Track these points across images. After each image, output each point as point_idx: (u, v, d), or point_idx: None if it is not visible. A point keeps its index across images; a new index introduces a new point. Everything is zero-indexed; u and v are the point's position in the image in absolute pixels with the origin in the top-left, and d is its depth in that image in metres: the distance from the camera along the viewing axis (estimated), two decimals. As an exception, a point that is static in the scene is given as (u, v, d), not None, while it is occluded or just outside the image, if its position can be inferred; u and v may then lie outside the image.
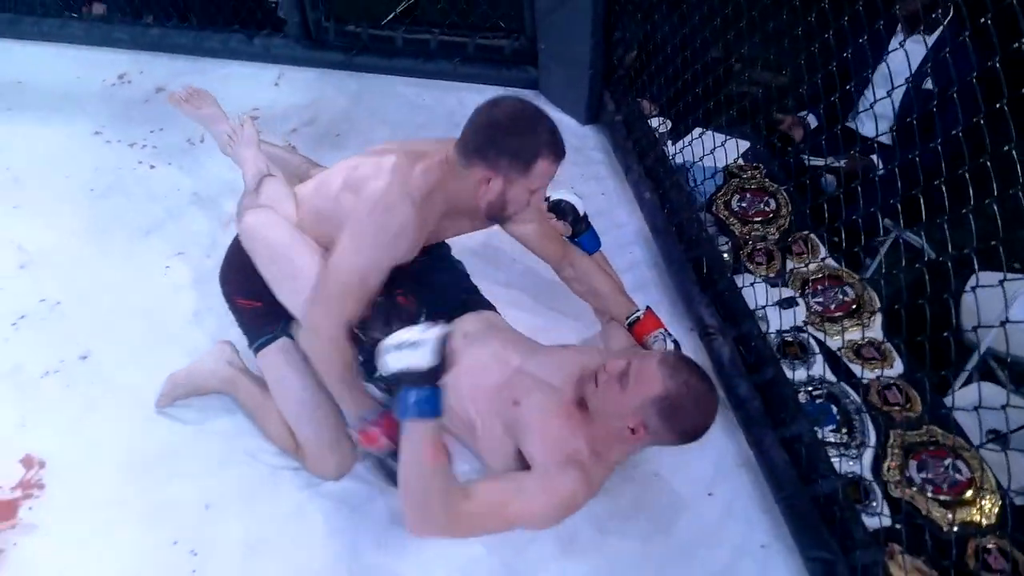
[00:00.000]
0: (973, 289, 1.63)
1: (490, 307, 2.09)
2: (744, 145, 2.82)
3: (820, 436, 1.93)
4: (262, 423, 2.00)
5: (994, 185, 1.49)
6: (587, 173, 2.80)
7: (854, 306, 2.29)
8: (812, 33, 1.97)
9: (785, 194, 2.62)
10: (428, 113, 3.14)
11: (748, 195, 2.63)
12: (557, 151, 1.67)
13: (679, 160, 2.65)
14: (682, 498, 1.86)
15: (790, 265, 2.41)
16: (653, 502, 1.82)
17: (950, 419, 1.94)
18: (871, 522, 1.74)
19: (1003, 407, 1.51)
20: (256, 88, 3.36)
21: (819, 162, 2.99)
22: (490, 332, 1.95)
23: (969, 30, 1.47)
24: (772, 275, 2.39)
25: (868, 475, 1.87)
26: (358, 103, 3.22)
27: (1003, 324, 1.54)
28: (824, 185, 3.14)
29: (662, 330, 2.01)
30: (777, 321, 2.17)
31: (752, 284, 2.22)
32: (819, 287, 2.34)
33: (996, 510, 1.81)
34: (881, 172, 2.92)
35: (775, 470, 1.80)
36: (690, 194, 2.52)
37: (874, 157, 3.01)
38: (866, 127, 3.04)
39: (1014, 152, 1.43)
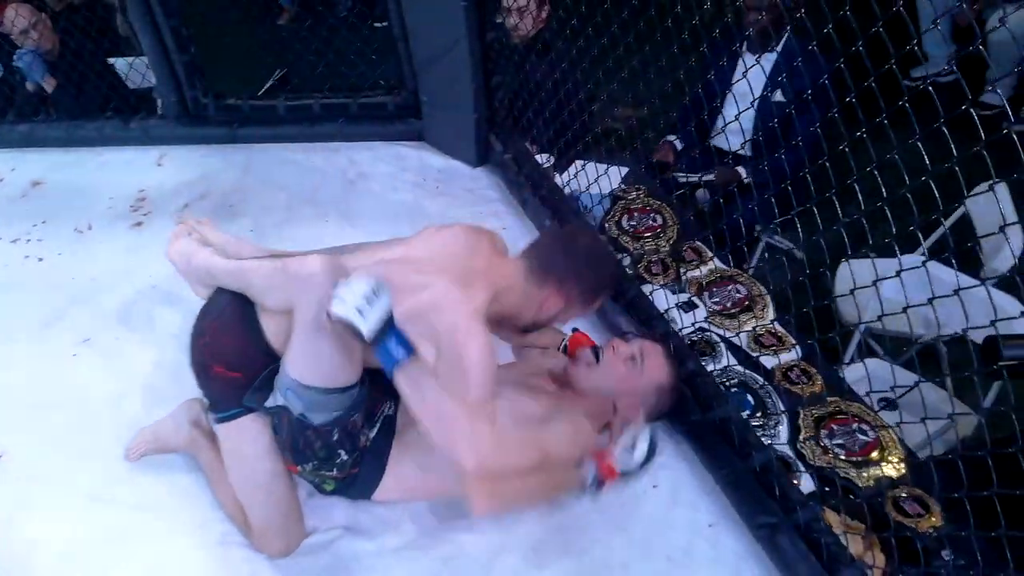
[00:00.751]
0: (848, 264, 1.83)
1: None
2: (624, 170, 3.02)
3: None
4: (218, 490, 1.99)
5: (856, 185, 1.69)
6: (485, 211, 2.93)
7: (747, 301, 2.49)
8: (672, 66, 2.18)
9: (670, 208, 2.83)
10: (320, 175, 3.19)
11: (636, 213, 2.81)
12: (615, 291, 1.85)
13: (567, 191, 2.82)
14: (631, 495, 1.96)
15: (684, 272, 2.60)
16: (605, 503, 1.91)
17: (847, 389, 2.16)
18: (804, 487, 1.91)
19: (892, 388, 1.71)
20: (138, 171, 3.33)
21: (690, 178, 3.23)
22: None
23: (815, 39, 1.67)
24: (670, 283, 2.57)
25: (788, 450, 2.05)
26: (248, 173, 3.24)
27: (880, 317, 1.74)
28: (698, 200, 3.39)
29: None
30: (681, 323, 2.34)
31: (654, 291, 2.40)
32: (714, 288, 2.53)
33: (903, 464, 2.02)
34: (748, 180, 3.17)
35: (712, 452, 1.95)
36: (585, 217, 2.68)
37: (741, 169, 3.27)
38: (728, 142, 3.32)
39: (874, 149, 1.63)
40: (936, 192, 1.45)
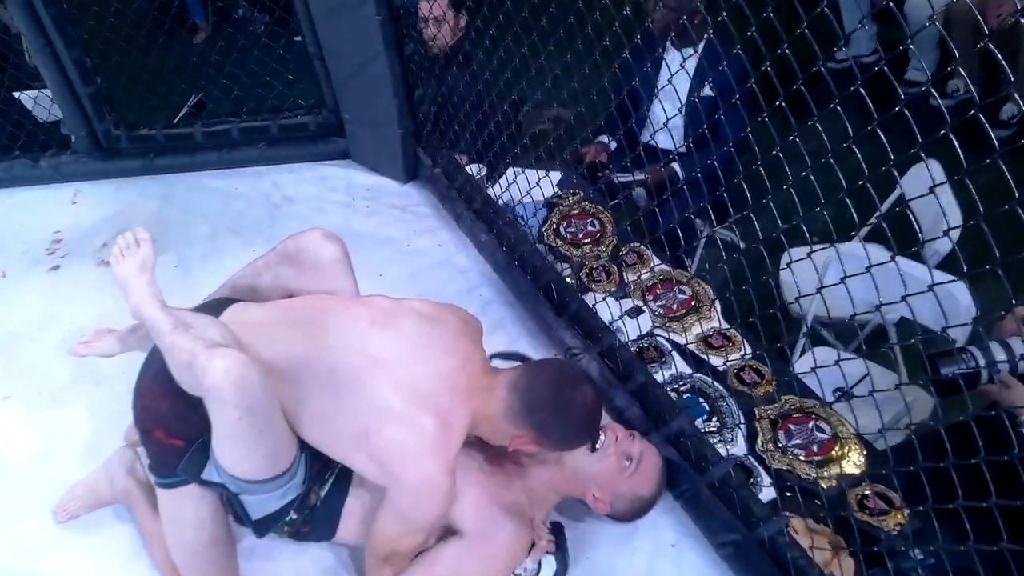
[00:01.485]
0: (788, 265, 1.76)
1: None
2: (558, 176, 2.96)
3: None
4: (150, 548, 1.86)
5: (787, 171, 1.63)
6: (419, 228, 2.83)
7: (693, 302, 2.44)
8: (597, 67, 2.11)
9: (607, 212, 2.76)
10: (244, 200, 3.06)
11: (573, 220, 2.75)
12: (594, 440, 1.73)
13: (502, 202, 2.74)
14: (591, 520, 1.90)
15: (628, 277, 2.54)
16: (567, 529, 1.85)
17: (798, 385, 2.11)
18: (764, 495, 1.86)
19: (836, 362, 1.64)
20: (52, 211, 3.14)
21: (627, 178, 3.18)
22: None
23: (737, 41, 1.61)
24: (614, 289, 2.50)
25: (747, 456, 2.00)
26: (168, 204, 3.08)
27: (819, 291, 1.66)
28: (636, 199, 3.33)
29: None
30: (629, 331, 2.27)
31: (601, 301, 2.30)
32: (658, 291, 2.48)
33: (863, 458, 1.98)
34: (682, 178, 3.13)
35: (668, 468, 1.87)
36: (521, 229, 2.60)
37: (675, 166, 3.23)
38: (661, 140, 3.28)
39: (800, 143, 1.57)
40: (867, 171, 1.38)
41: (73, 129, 3.17)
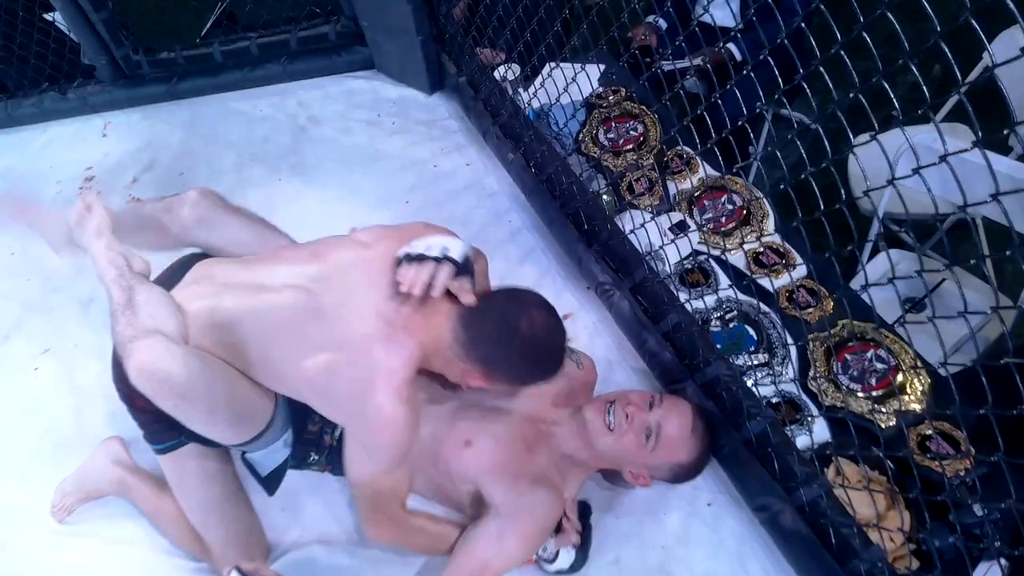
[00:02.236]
0: (851, 150, 1.44)
1: None
2: (599, 70, 2.69)
3: (743, 362, 1.87)
4: (161, 527, 1.84)
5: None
6: (447, 146, 2.64)
7: (744, 212, 2.21)
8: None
9: (651, 113, 2.51)
10: (270, 123, 2.91)
11: (613, 124, 2.51)
12: (549, 380, 1.53)
13: (536, 105, 2.50)
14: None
15: (673, 188, 2.32)
16: (596, 486, 1.76)
17: (862, 304, 1.88)
18: (816, 434, 1.71)
19: (917, 272, 1.38)
20: (84, 145, 3.07)
21: (682, 64, 2.87)
22: None
23: None
24: (658, 203, 2.29)
25: (797, 390, 1.82)
26: (193, 132, 2.97)
27: (890, 183, 1.38)
28: (692, 88, 3.04)
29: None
30: (670, 255, 2.07)
31: (640, 227, 2.04)
32: (705, 202, 2.25)
33: (927, 389, 1.77)
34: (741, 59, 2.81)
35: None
36: (552, 143, 2.36)
37: (731, 46, 2.90)
38: (717, 16, 2.92)
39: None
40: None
41: (93, 57, 3.05)
